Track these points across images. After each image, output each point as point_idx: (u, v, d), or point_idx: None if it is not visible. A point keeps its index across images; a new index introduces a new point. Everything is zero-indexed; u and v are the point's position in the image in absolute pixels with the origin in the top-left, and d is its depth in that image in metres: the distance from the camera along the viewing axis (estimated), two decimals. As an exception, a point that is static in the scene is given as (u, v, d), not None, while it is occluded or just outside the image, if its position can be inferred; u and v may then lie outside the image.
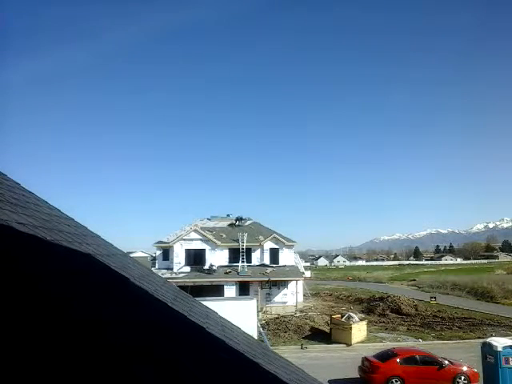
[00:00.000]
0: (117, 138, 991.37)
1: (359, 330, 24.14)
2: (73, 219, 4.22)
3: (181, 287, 5.84)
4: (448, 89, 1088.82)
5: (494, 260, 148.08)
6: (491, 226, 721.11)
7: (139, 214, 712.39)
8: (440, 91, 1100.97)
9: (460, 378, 16.25)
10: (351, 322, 23.68)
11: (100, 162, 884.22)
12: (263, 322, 27.87)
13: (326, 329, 25.71)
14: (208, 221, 40.36)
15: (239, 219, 40.04)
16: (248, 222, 40.19)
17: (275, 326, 26.67)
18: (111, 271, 3.16)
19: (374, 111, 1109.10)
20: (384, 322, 30.11)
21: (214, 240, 34.88)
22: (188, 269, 33.95)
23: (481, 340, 19.51)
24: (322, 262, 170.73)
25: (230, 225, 39.69)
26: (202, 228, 36.07)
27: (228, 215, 41.89)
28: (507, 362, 14.38)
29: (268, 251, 35.85)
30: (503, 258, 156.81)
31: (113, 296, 2.66)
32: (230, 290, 32.15)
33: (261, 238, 36.17)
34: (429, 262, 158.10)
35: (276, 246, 36.05)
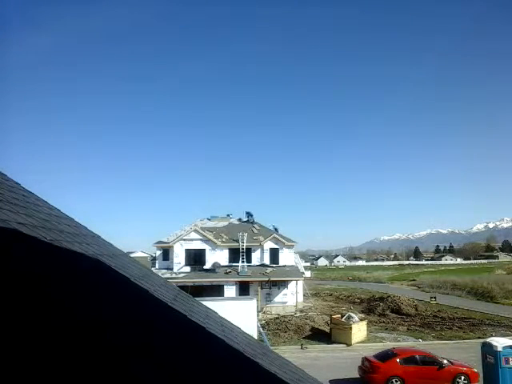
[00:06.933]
0: (116, 138, 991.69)
1: (359, 329, 24.14)
2: (73, 219, 4.22)
3: (181, 287, 5.84)
4: (448, 89, 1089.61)
5: (494, 260, 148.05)
6: (491, 225, 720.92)
7: (139, 214, 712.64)
8: (440, 91, 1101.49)
9: (460, 378, 16.24)
10: (351, 322, 23.67)
11: (100, 162, 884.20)
12: (263, 322, 27.87)
13: (326, 329, 25.71)
14: (208, 221, 40.37)
15: (249, 215, 40.46)
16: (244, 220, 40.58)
17: (275, 326, 26.67)
18: (111, 271, 3.16)
19: (375, 111, 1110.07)
20: (384, 321, 30.11)
21: (214, 240, 34.89)
22: (188, 269, 33.96)
23: (481, 340, 19.51)
24: (322, 262, 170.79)
25: (239, 220, 40.46)
26: (202, 228, 36.08)
27: (228, 215, 41.97)
28: (507, 362, 14.38)
29: (268, 251, 35.85)
30: (503, 258, 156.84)
31: (113, 296, 2.67)
32: (230, 290, 32.15)
33: (261, 238, 36.16)
34: (429, 262, 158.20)
35: (276, 246, 36.05)
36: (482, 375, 15.69)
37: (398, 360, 16.40)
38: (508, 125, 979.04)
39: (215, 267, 33.27)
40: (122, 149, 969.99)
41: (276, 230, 39.41)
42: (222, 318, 4.68)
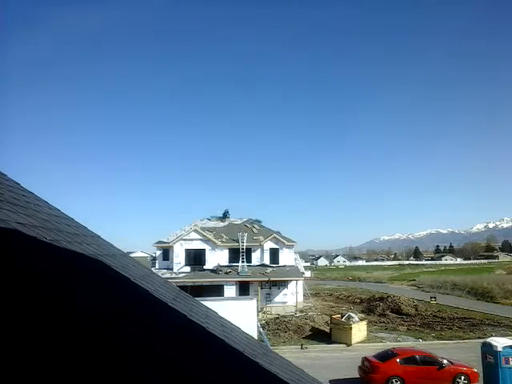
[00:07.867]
0: (116, 138, 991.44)
1: (359, 329, 24.14)
2: (73, 219, 4.22)
3: (181, 287, 5.84)
4: (448, 89, 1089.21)
5: (493, 260, 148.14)
6: (491, 225, 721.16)
7: (139, 214, 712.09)
8: (439, 91, 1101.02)
9: (460, 378, 16.25)
10: (351, 322, 23.68)
11: (100, 161, 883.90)
12: (263, 322, 27.87)
13: (326, 329, 25.71)
14: (208, 221, 40.39)
15: (226, 214, 40.47)
16: (244, 220, 40.40)
17: (275, 326, 26.67)
18: (111, 271, 3.16)
19: (375, 111, 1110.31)
20: (384, 322, 30.12)
21: (214, 240, 34.89)
22: (188, 269, 33.97)
23: (481, 340, 19.52)
24: (322, 262, 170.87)
25: (218, 218, 40.34)
26: (202, 228, 36.09)
27: (225, 214, 42.01)
28: (507, 362, 14.39)
29: (268, 251, 35.87)
30: (503, 258, 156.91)
31: (113, 296, 2.66)
32: (230, 290, 32.16)
33: (261, 238, 36.17)
34: (429, 262, 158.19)
35: (276, 246, 36.06)
36: (482, 375, 15.70)
37: (398, 360, 16.41)
38: (508, 125, 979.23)
39: (217, 268, 33.28)
40: (122, 149, 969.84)
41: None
42: (222, 317, 4.68)
